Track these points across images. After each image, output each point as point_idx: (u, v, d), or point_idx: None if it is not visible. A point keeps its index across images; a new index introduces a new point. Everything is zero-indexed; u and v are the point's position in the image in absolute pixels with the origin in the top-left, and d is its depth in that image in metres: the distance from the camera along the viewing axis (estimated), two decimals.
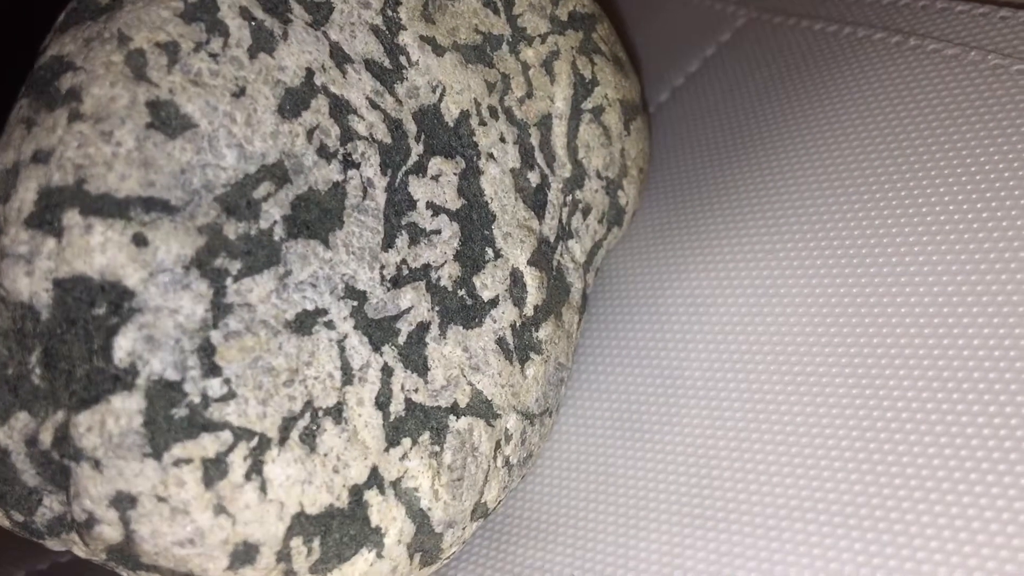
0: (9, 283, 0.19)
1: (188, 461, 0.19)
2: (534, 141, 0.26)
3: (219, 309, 0.20)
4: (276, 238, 0.21)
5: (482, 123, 0.25)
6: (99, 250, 0.19)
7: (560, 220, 0.26)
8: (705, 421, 0.25)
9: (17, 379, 0.20)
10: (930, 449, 0.21)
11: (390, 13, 0.23)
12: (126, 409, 0.19)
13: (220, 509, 0.20)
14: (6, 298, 0.19)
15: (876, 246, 0.25)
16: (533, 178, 0.26)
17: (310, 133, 0.22)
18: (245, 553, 0.20)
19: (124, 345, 0.19)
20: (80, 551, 0.22)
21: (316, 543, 0.21)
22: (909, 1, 0.31)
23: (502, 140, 0.25)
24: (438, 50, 0.24)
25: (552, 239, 0.26)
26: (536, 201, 0.26)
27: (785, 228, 0.27)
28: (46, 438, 0.20)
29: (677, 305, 0.28)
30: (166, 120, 0.20)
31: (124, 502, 0.19)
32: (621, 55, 0.29)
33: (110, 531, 0.20)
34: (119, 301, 0.19)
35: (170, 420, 0.19)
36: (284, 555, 0.21)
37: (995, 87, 0.26)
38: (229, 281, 0.20)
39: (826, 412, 0.23)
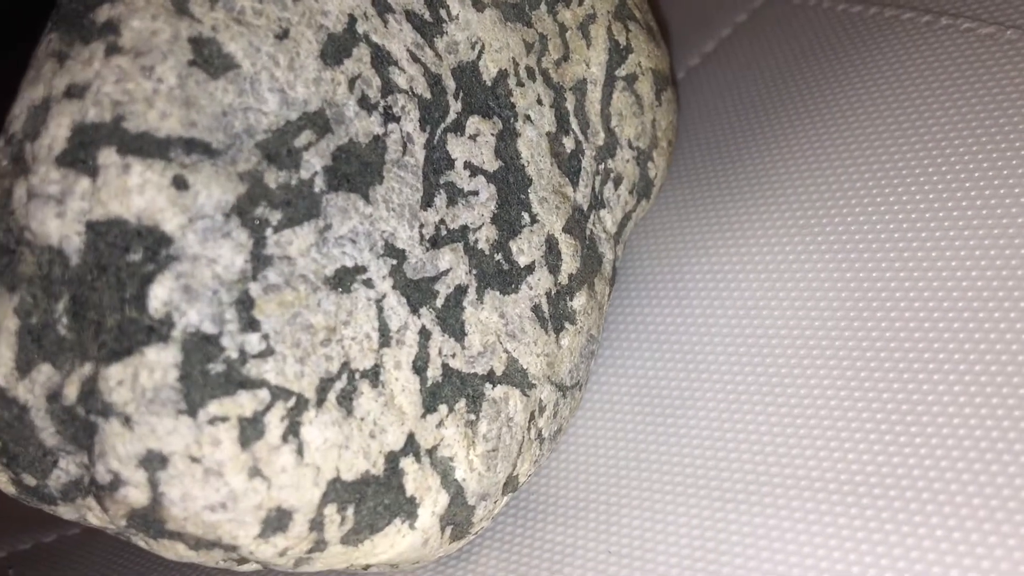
0: (37, 225, 0.18)
1: (224, 419, 0.18)
2: (569, 106, 0.25)
3: (259, 261, 0.19)
4: (316, 189, 0.20)
5: (520, 84, 0.24)
6: (137, 191, 0.18)
7: (593, 188, 0.25)
8: (728, 398, 0.25)
9: (41, 329, 0.18)
10: (947, 428, 0.21)
11: None
12: (161, 362, 0.18)
13: (255, 472, 0.19)
14: (32, 242, 0.18)
15: (901, 226, 0.25)
16: (568, 144, 0.25)
17: (352, 82, 0.21)
18: (278, 520, 0.19)
19: (160, 294, 0.18)
20: (95, 519, 0.20)
21: (350, 511, 0.20)
22: None
23: (539, 102, 0.24)
24: (478, 5, 0.23)
25: (585, 207, 0.25)
26: (570, 167, 0.25)
27: (808, 207, 0.27)
28: (71, 392, 0.18)
29: (699, 283, 0.28)
30: (208, 58, 0.19)
31: (154, 462, 0.18)
32: (653, 25, 0.28)
33: (136, 494, 0.18)
34: (156, 247, 0.18)
35: (206, 375, 0.18)
36: (317, 523, 0.20)
37: None
38: (269, 232, 0.19)
39: (847, 391, 0.23)
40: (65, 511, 0.20)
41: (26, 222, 0.18)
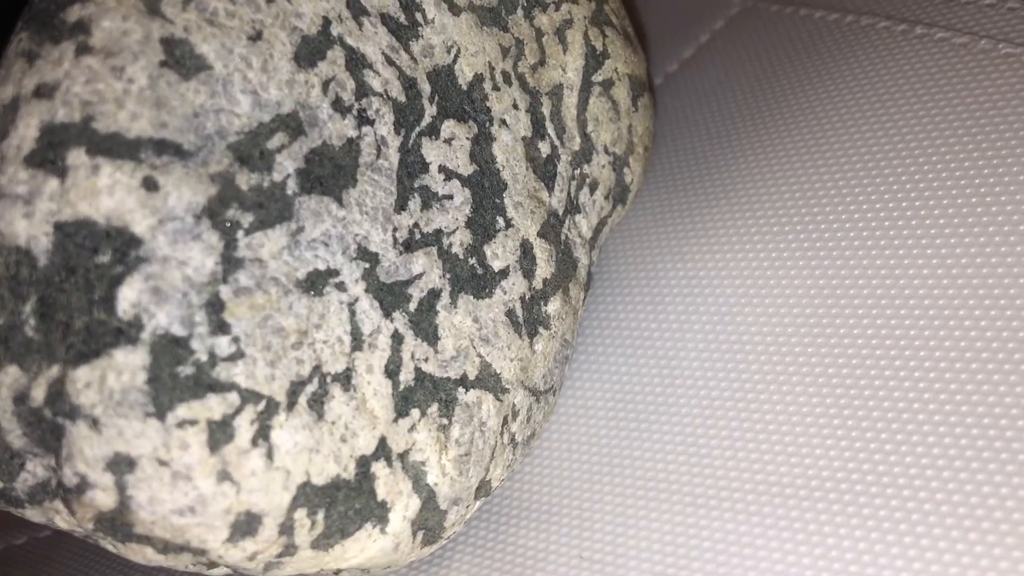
0: (5, 226, 0.18)
1: (193, 423, 0.18)
2: (545, 111, 0.25)
3: (229, 263, 0.19)
4: (289, 192, 0.20)
5: (495, 88, 0.24)
6: (106, 192, 0.18)
7: (568, 193, 0.25)
8: (702, 403, 0.25)
9: (8, 330, 0.18)
10: (922, 434, 0.21)
11: None
12: (129, 364, 0.18)
13: (224, 475, 0.18)
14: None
15: (874, 233, 0.25)
16: (544, 148, 0.25)
17: (326, 85, 0.20)
18: (247, 524, 0.19)
19: (129, 296, 0.18)
20: (63, 522, 0.20)
21: (320, 516, 0.20)
22: None
23: (515, 107, 0.24)
24: (454, 9, 0.23)
25: (560, 212, 0.25)
26: (546, 172, 0.25)
27: (783, 214, 0.27)
28: (38, 395, 0.18)
29: (674, 289, 0.28)
30: (180, 59, 0.19)
31: (122, 465, 0.18)
32: (630, 30, 0.28)
33: (103, 497, 0.18)
34: (125, 249, 0.18)
35: (175, 378, 0.18)
36: (287, 528, 0.19)
37: (1008, 75, 0.26)
38: (240, 234, 0.19)
39: (821, 396, 0.23)
40: (32, 514, 0.20)
41: None
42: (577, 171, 0.26)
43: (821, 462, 0.22)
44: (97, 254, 0.18)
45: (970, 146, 0.25)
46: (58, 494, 0.19)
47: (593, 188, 0.26)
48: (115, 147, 0.18)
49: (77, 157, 0.18)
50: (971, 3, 0.29)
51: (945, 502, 0.20)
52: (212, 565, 0.21)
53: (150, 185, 0.18)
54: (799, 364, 0.24)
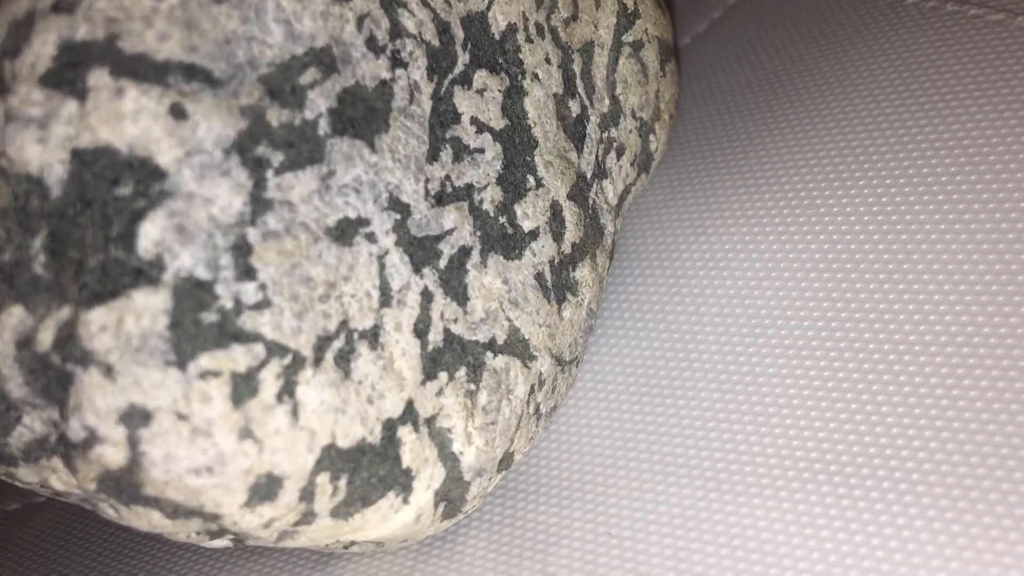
0: (15, 151, 0.16)
1: (216, 374, 0.17)
2: (576, 68, 0.24)
3: (258, 204, 0.17)
4: (321, 132, 0.18)
5: (528, 40, 0.23)
6: (131, 118, 0.16)
7: (597, 157, 0.24)
8: (721, 380, 0.24)
9: (14, 267, 0.17)
10: (944, 413, 0.20)
11: None
12: (149, 307, 0.16)
13: (247, 433, 0.17)
14: (8, 169, 0.16)
15: (899, 213, 0.24)
16: (574, 108, 0.24)
17: (360, 21, 0.19)
18: (267, 487, 0.18)
19: (151, 233, 0.16)
20: (59, 482, 0.19)
21: (343, 482, 0.18)
22: None
23: (547, 62, 0.23)
24: None
25: (589, 176, 0.24)
26: (576, 132, 0.24)
27: (802, 190, 0.26)
28: (45, 338, 0.17)
29: (694, 265, 0.27)
30: None
31: (136, 418, 0.16)
32: None
33: (113, 453, 0.17)
34: (148, 181, 0.16)
35: (199, 325, 0.16)
36: (308, 493, 0.18)
37: None
38: (270, 174, 0.17)
39: (840, 376, 0.22)
40: (25, 473, 0.19)
41: (2, 147, 0.16)
42: (605, 134, 0.25)
43: (842, 440, 0.21)
44: (117, 186, 0.16)
45: (1006, 126, 0.24)
46: (57, 451, 0.18)
47: (620, 153, 0.25)
48: (141, 69, 0.16)
49: (99, 78, 0.16)
50: None
51: (973, 487, 0.19)
52: (219, 533, 0.19)
53: (178, 113, 0.16)
54: (819, 342, 0.23)
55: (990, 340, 0.21)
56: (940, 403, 0.21)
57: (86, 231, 0.16)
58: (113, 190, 0.16)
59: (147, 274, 0.16)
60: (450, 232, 0.20)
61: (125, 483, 0.17)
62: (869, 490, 0.20)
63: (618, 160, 0.25)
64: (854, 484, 0.20)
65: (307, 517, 0.19)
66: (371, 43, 0.19)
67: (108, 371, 0.16)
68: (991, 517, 0.19)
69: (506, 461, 0.22)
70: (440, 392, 0.20)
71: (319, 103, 0.18)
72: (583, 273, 0.23)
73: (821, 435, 0.22)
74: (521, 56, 0.22)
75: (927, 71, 0.27)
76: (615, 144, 0.25)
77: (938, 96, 0.26)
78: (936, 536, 0.19)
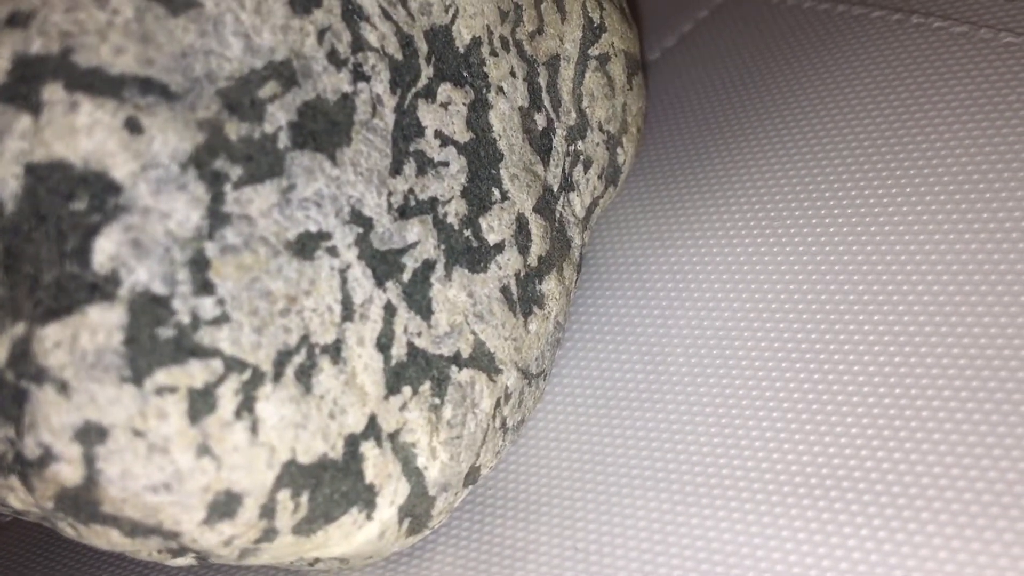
0: None
1: (173, 390, 0.16)
2: (542, 81, 0.24)
3: (216, 218, 0.17)
4: (280, 146, 0.18)
5: (493, 53, 0.23)
6: (85, 132, 0.16)
7: (563, 170, 0.24)
8: (689, 392, 0.24)
9: None
10: (913, 426, 0.20)
11: None
12: (104, 323, 0.16)
13: (204, 449, 0.17)
14: None
15: (864, 223, 0.24)
16: (540, 121, 0.24)
17: (321, 34, 0.19)
18: (226, 504, 0.17)
19: (106, 248, 0.16)
20: (17, 501, 0.18)
21: (304, 498, 0.18)
22: None
23: (512, 75, 0.23)
24: None
25: (555, 188, 0.24)
26: (542, 145, 0.24)
27: (770, 203, 0.26)
28: None
29: (662, 276, 0.27)
30: None
31: (92, 435, 0.16)
32: (625, 7, 0.27)
33: (69, 471, 0.16)
34: (103, 195, 0.16)
35: (155, 340, 0.16)
36: (268, 510, 0.18)
37: (1010, 63, 0.25)
38: (228, 187, 0.17)
39: (807, 387, 0.22)
40: None
41: None
42: (572, 147, 0.25)
43: (807, 451, 0.21)
44: (72, 200, 0.16)
45: (970, 135, 0.24)
46: (14, 469, 0.18)
47: (587, 166, 0.25)
48: (96, 83, 0.16)
49: (54, 92, 0.16)
50: None
51: (936, 497, 0.19)
52: (180, 552, 0.19)
53: (133, 127, 0.16)
54: (786, 352, 0.23)
55: (959, 352, 0.21)
56: (909, 413, 0.21)
57: (41, 246, 0.16)
58: (68, 205, 0.16)
59: (102, 289, 0.16)
60: (413, 245, 0.20)
61: (82, 501, 0.17)
62: (838, 501, 0.20)
63: (585, 173, 0.25)
64: (823, 496, 0.20)
65: (268, 534, 0.18)
66: (332, 56, 0.19)
67: (63, 388, 0.16)
68: (954, 528, 0.19)
69: (472, 475, 0.22)
70: (404, 407, 0.20)
71: (279, 116, 0.18)
72: (550, 286, 0.23)
73: (787, 447, 0.22)
74: (486, 69, 0.22)
75: (892, 83, 0.27)
76: (582, 157, 0.25)
77: (912, 109, 0.26)
78: (902, 548, 0.19)
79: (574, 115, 0.25)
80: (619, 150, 0.26)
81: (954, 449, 0.20)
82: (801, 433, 0.22)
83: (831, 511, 0.20)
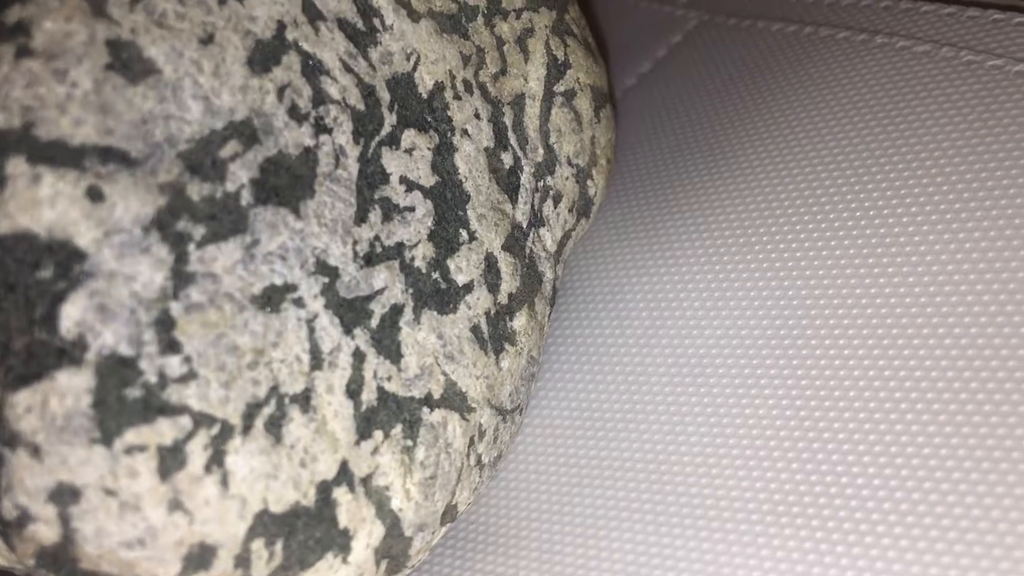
0: None
1: (142, 449, 0.17)
2: (507, 121, 0.24)
3: (180, 278, 0.18)
4: (243, 203, 0.19)
5: (456, 97, 0.23)
6: (48, 203, 0.16)
7: (532, 206, 0.25)
8: (670, 419, 0.24)
9: None
10: (887, 448, 0.21)
11: None
12: (73, 387, 0.16)
13: (176, 505, 0.17)
14: None
15: (838, 244, 0.24)
16: (507, 160, 0.24)
17: (281, 91, 0.20)
18: (200, 556, 0.18)
19: (72, 314, 0.17)
20: (2, 558, 0.19)
21: (279, 546, 0.19)
22: (871, 2, 0.30)
23: (477, 116, 0.23)
24: (413, 15, 0.22)
25: (524, 225, 0.24)
26: (509, 184, 0.24)
27: (747, 226, 0.27)
28: None
29: (639, 304, 0.27)
30: (127, 63, 0.17)
31: (65, 495, 0.17)
32: (590, 40, 0.28)
33: (46, 530, 0.17)
34: (68, 263, 0.17)
35: (123, 401, 0.17)
36: (243, 560, 0.18)
37: (971, 81, 0.26)
38: (192, 247, 0.18)
39: (788, 412, 0.22)
40: None
41: None
42: (540, 183, 0.25)
43: (791, 479, 0.21)
44: (38, 269, 0.17)
45: (936, 152, 0.25)
46: None
47: (557, 201, 0.25)
48: (58, 155, 0.17)
49: (16, 166, 0.16)
50: (931, 13, 0.29)
51: (915, 524, 0.20)
52: None
53: (95, 195, 0.17)
54: (767, 378, 0.23)
55: (938, 377, 0.21)
56: (888, 438, 0.21)
57: (11, 315, 0.17)
58: (34, 274, 0.17)
59: (70, 354, 0.17)
60: (381, 291, 0.21)
61: (61, 559, 0.17)
62: (823, 529, 0.20)
63: (555, 207, 0.25)
64: (808, 523, 0.21)
65: None
66: (293, 112, 0.20)
67: (35, 451, 0.16)
68: (931, 555, 0.19)
69: (449, 513, 0.22)
70: (376, 451, 0.20)
71: (241, 175, 0.19)
72: (521, 322, 0.24)
73: (769, 475, 0.22)
74: (450, 113, 0.23)
75: (861, 104, 0.27)
76: (551, 192, 0.25)
77: (878, 129, 0.26)
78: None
79: (541, 151, 0.25)
80: (589, 182, 0.27)
81: (939, 476, 0.20)
82: (784, 461, 0.22)
83: (816, 539, 0.20)
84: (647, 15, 0.37)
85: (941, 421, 0.21)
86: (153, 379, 0.17)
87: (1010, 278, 0.22)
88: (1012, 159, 0.23)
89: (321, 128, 0.20)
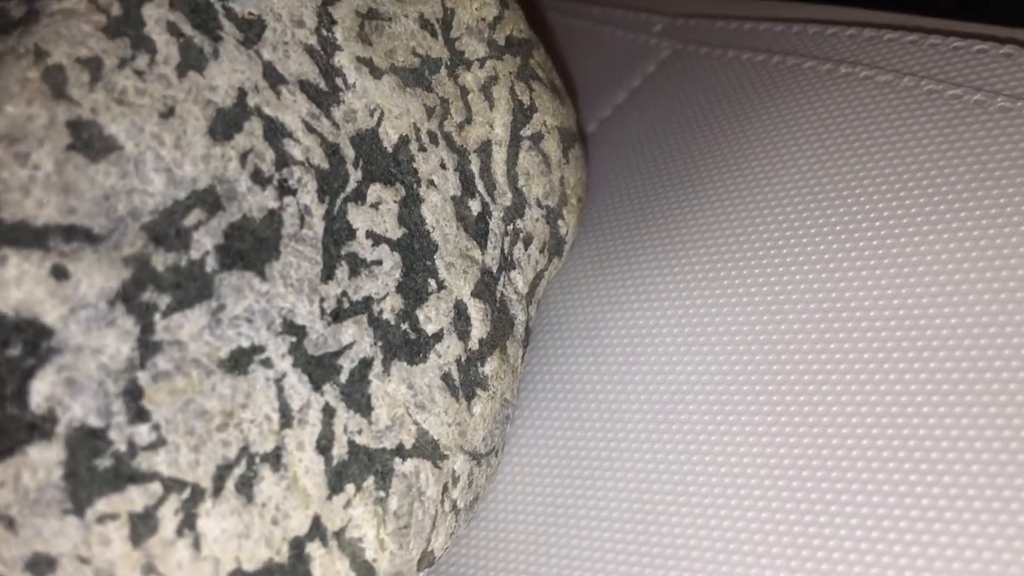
0: None
1: (114, 517, 0.17)
2: (474, 168, 0.25)
3: (147, 348, 0.18)
4: (208, 269, 0.19)
5: (422, 149, 0.24)
6: (14, 284, 0.17)
7: (502, 250, 0.25)
8: (648, 455, 0.24)
9: None
10: (868, 486, 0.21)
11: (325, 33, 0.22)
12: (44, 461, 0.17)
13: (149, 569, 0.18)
14: None
15: (815, 268, 0.25)
16: (474, 206, 0.24)
17: (243, 157, 0.20)
18: None
19: (42, 389, 0.17)
20: None
21: None
22: (836, 31, 0.31)
23: (442, 167, 0.24)
24: (375, 72, 0.23)
25: (495, 270, 0.25)
26: (478, 230, 0.24)
27: (721, 259, 0.27)
28: None
29: (615, 339, 0.27)
30: (88, 141, 0.18)
31: (41, 565, 0.17)
32: (557, 82, 0.28)
33: None
34: (36, 340, 0.17)
35: (93, 472, 0.17)
36: None
37: (931, 111, 0.26)
38: (157, 317, 0.18)
39: (766, 445, 0.23)
40: None
41: None
42: (510, 226, 0.25)
43: (768, 513, 0.22)
44: (7, 347, 0.17)
45: (895, 187, 0.25)
46: None
47: (527, 243, 0.26)
48: (22, 236, 0.17)
49: None
50: (894, 41, 0.29)
51: (902, 554, 0.20)
52: None
53: (59, 274, 0.17)
54: (746, 410, 0.24)
55: (912, 409, 0.21)
56: (865, 475, 0.21)
57: None
58: (4, 352, 0.17)
59: (40, 428, 0.17)
60: (349, 346, 0.21)
61: None
62: (801, 570, 0.21)
63: (526, 249, 0.26)
64: (785, 563, 0.21)
65: None
66: (256, 176, 0.20)
67: (10, 524, 0.17)
68: None
69: (426, 559, 0.22)
70: (348, 504, 0.21)
71: (205, 242, 0.19)
72: (493, 367, 0.24)
73: (750, 513, 0.22)
74: (415, 165, 0.23)
75: (824, 133, 0.27)
76: (522, 234, 0.26)
77: (843, 158, 0.27)
78: None
79: (510, 195, 0.25)
80: (560, 222, 0.27)
81: (914, 515, 0.20)
82: (764, 499, 0.22)
83: (801, 570, 0.21)
84: (622, 44, 0.38)
85: (917, 458, 0.21)
86: (123, 448, 0.18)
87: (976, 300, 0.22)
88: (969, 191, 0.24)
89: (285, 190, 0.21)
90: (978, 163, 0.24)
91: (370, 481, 0.21)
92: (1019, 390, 0.20)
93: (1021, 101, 0.25)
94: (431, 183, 0.24)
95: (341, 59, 0.22)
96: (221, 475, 0.19)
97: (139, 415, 0.18)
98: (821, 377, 0.23)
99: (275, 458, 0.20)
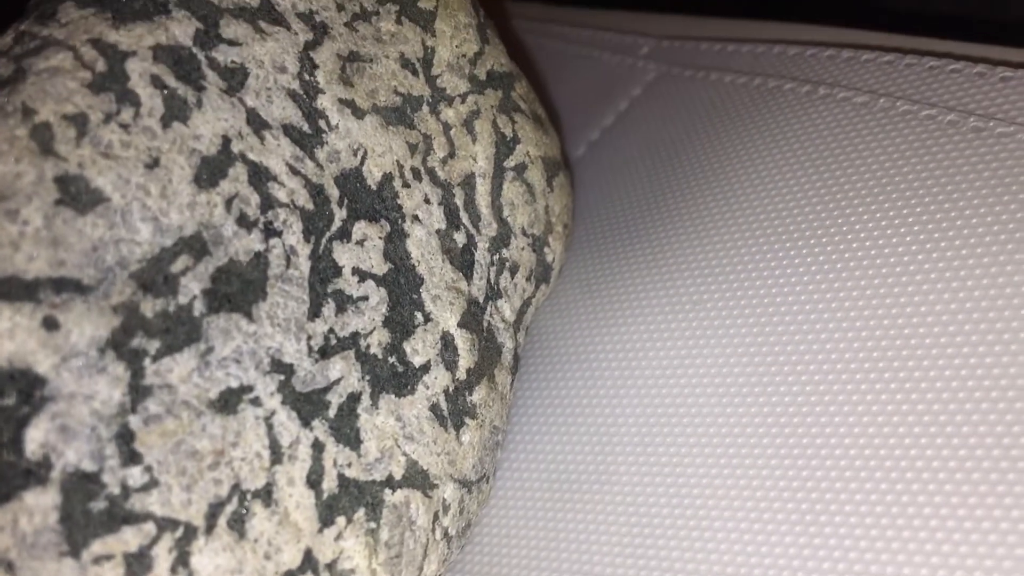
0: None
1: (109, 557, 0.18)
2: (459, 201, 0.25)
3: (137, 392, 0.19)
4: (196, 313, 0.20)
5: (405, 185, 0.24)
6: (7, 336, 0.18)
7: (488, 280, 0.26)
8: (641, 476, 0.25)
9: None
10: (862, 507, 0.21)
11: (307, 77, 0.23)
12: (40, 506, 0.18)
13: None
14: None
15: (796, 289, 0.25)
16: (459, 239, 0.25)
17: (229, 202, 0.21)
18: None
19: (36, 437, 0.18)
20: None
21: None
22: (816, 51, 0.31)
23: (427, 201, 0.24)
24: (358, 113, 0.24)
25: (481, 300, 0.25)
26: (463, 262, 0.25)
27: (709, 278, 0.27)
28: None
29: (606, 360, 0.28)
30: (76, 195, 0.19)
31: None
32: (540, 112, 0.29)
33: None
34: (30, 390, 0.18)
35: (88, 514, 0.18)
36: None
37: (905, 132, 0.26)
38: (147, 362, 0.19)
39: (759, 464, 0.23)
40: None
41: None
42: (496, 256, 0.26)
43: (763, 532, 0.22)
44: (2, 397, 0.18)
45: (871, 208, 0.25)
46: None
47: (514, 271, 0.27)
48: (13, 290, 0.18)
49: None
50: (871, 62, 0.29)
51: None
52: None
53: (50, 325, 0.18)
54: (738, 429, 0.24)
55: (902, 427, 0.22)
56: (858, 497, 0.21)
57: None
58: None
59: (36, 474, 0.18)
60: (337, 382, 0.22)
61: None
62: None
63: (512, 278, 0.26)
64: None
65: None
66: (242, 220, 0.21)
67: (9, 567, 0.18)
68: None
69: None
70: (339, 536, 0.21)
71: (192, 287, 0.20)
72: (481, 395, 0.25)
73: (743, 526, 0.22)
74: (399, 201, 0.24)
75: (802, 154, 0.28)
76: (508, 264, 0.26)
77: (823, 178, 0.27)
78: None
79: (495, 226, 0.26)
80: (546, 250, 0.28)
81: (906, 535, 0.21)
82: (760, 522, 0.22)
83: None
84: (609, 67, 0.38)
85: (907, 475, 0.21)
86: (116, 490, 0.18)
87: (959, 309, 0.22)
88: (943, 211, 0.24)
89: (271, 232, 0.21)
90: (951, 183, 0.24)
91: (361, 513, 0.21)
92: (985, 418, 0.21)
93: (993, 121, 0.25)
94: (416, 218, 0.24)
95: (324, 101, 0.23)
96: (213, 513, 0.19)
97: (131, 458, 0.18)
98: (811, 392, 0.23)
99: (266, 494, 0.20)
